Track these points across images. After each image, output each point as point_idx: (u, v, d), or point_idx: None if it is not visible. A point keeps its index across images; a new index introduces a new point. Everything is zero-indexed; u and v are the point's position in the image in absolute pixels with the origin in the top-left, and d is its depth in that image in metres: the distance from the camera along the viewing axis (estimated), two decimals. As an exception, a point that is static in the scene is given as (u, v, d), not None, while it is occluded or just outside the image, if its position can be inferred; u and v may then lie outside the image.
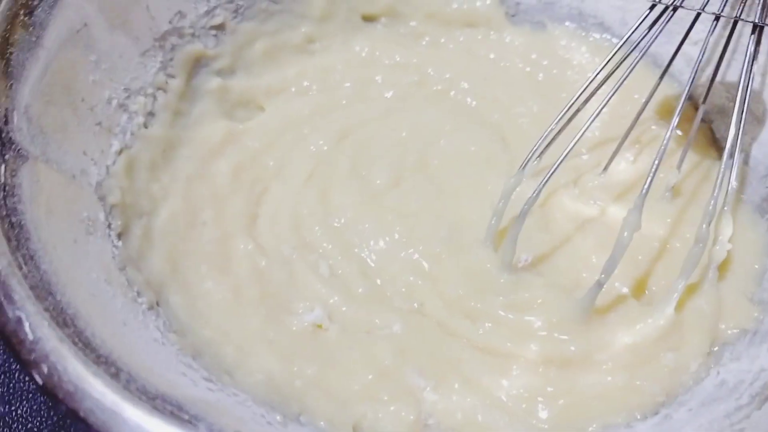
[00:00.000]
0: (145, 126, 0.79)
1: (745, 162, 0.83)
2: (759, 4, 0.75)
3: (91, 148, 0.70)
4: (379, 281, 0.76)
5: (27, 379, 0.75)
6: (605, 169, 0.85)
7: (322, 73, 0.93)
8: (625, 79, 0.74)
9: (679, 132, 0.89)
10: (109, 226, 0.67)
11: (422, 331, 0.72)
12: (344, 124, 0.89)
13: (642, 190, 0.65)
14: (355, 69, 0.95)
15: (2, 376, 0.76)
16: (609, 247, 0.76)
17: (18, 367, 0.75)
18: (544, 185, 0.70)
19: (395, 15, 0.98)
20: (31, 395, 0.74)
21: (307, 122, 0.89)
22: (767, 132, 0.82)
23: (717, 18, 0.73)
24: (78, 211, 0.63)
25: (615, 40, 0.96)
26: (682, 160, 0.83)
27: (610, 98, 0.74)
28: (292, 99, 0.91)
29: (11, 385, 0.75)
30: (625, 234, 0.64)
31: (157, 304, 0.66)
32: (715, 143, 0.87)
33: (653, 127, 0.90)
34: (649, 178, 0.65)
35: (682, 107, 0.70)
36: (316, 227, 0.80)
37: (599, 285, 0.65)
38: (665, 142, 0.68)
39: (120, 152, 0.74)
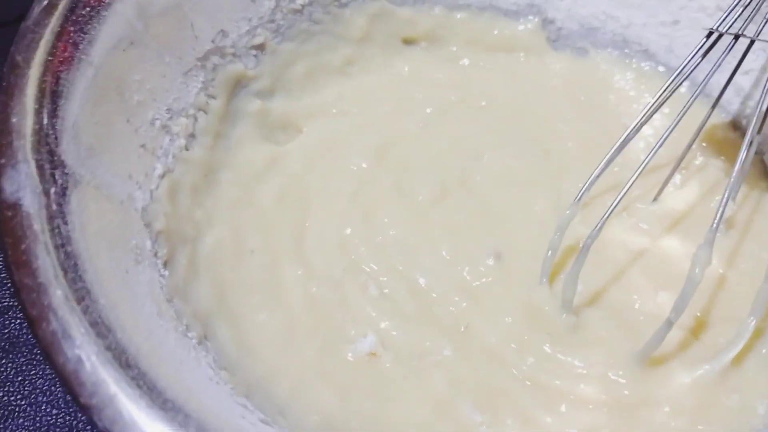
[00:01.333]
0: (186, 148, 0.76)
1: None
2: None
3: (136, 172, 0.67)
4: (427, 300, 0.74)
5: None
6: (656, 198, 0.83)
7: (362, 94, 0.91)
8: (683, 114, 0.72)
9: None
10: (155, 254, 0.64)
11: (471, 357, 0.70)
12: (385, 140, 0.87)
13: (713, 224, 0.63)
14: (396, 88, 0.93)
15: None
16: (664, 281, 0.75)
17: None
18: (605, 221, 0.67)
19: (436, 39, 0.97)
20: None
21: (346, 142, 0.87)
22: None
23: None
24: (127, 239, 0.60)
25: (660, 68, 0.94)
26: (736, 192, 0.81)
27: (667, 135, 0.72)
28: (331, 120, 0.89)
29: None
30: (697, 270, 0.62)
31: (205, 338, 0.63)
32: (766, 175, 0.85)
33: (699, 156, 0.88)
34: (719, 214, 0.63)
35: (747, 153, 0.67)
36: (362, 247, 0.77)
37: (669, 324, 0.63)
38: (734, 175, 0.65)
39: (163, 176, 0.71)
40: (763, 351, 0.68)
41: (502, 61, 0.97)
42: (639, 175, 0.72)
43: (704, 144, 0.89)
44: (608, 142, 0.73)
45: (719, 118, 0.90)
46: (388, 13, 0.93)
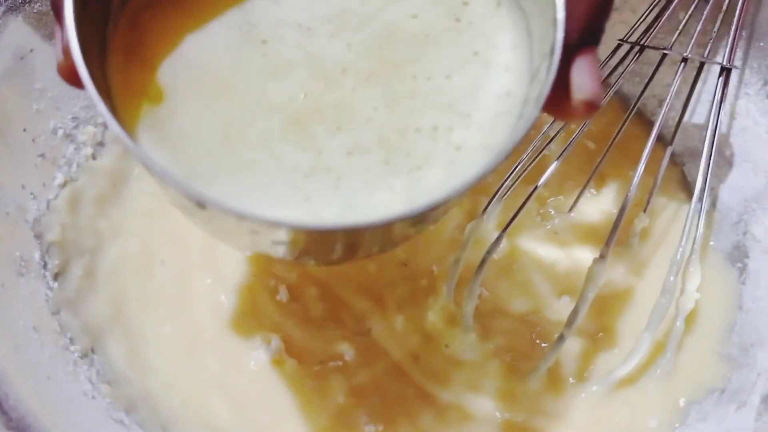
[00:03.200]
0: (94, 157, 0.75)
1: (714, 206, 0.81)
2: (727, 44, 0.73)
3: (31, 182, 0.66)
4: (336, 304, 0.74)
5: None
6: (572, 208, 0.83)
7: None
8: (589, 123, 0.72)
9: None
10: (44, 266, 0.63)
11: (371, 364, 0.70)
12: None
13: (608, 240, 0.63)
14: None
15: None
16: (568, 286, 0.75)
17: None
18: (506, 231, 0.67)
19: None
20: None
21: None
22: (737, 175, 0.80)
23: (684, 60, 0.71)
24: (10, 251, 0.59)
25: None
26: (648, 203, 0.81)
27: (576, 139, 0.72)
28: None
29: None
30: (590, 286, 0.61)
31: (92, 351, 0.62)
32: (686, 186, 0.85)
33: (618, 167, 0.88)
34: (616, 228, 0.63)
35: (649, 151, 0.67)
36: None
37: (561, 340, 0.62)
38: (631, 189, 0.65)
39: (64, 185, 0.70)
40: (662, 365, 0.67)
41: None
42: (549, 189, 0.72)
43: (623, 155, 0.88)
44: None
45: (639, 128, 0.90)
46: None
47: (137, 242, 0.75)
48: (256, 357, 0.70)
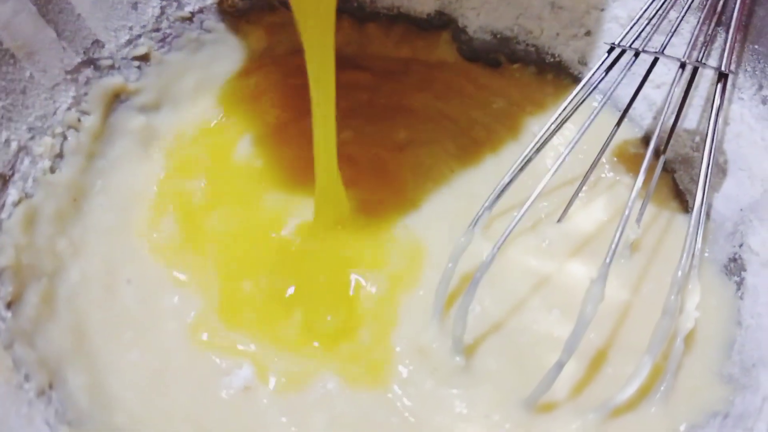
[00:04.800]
0: (52, 171, 0.69)
1: (708, 216, 0.78)
2: (725, 48, 0.70)
3: (-20, 201, 0.61)
4: (311, 323, 0.70)
5: None
6: (560, 219, 0.79)
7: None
8: (585, 130, 0.68)
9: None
10: (-5, 294, 0.58)
11: (354, 389, 0.66)
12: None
13: (606, 259, 0.59)
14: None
15: None
16: (568, 311, 0.71)
17: None
18: (498, 249, 0.63)
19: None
20: None
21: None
22: (732, 184, 0.77)
23: (683, 65, 0.67)
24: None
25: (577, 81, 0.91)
26: (642, 214, 0.77)
27: (572, 148, 0.68)
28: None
29: None
30: (588, 308, 0.58)
31: (50, 387, 0.57)
32: (677, 195, 0.82)
33: (610, 173, 0.84)
34: (613, 245, 0.59)
35: (647, 163, 0.63)
36: (247, 265, 0.73)
37: (559, 366, 0.59)
38: (630, 204, 0.61)
39: (18, 203, 0.65)
40: (662, 388, 0.64)
41: (413, 68, 0.92)
42: (539, 194, 0.68)
43: (615, 160, 0.85)
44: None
45: (632, 133, 0.87)
46: (291, 23, 0.88)
47: (100, 261, 0.70)
48: (227, 384, 0.65)
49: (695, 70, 0.73)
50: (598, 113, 0.69)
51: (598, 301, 0.58)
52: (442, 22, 0.93)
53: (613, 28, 0.86)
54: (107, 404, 0.60)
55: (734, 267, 0.73)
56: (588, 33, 0.89)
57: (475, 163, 0.83)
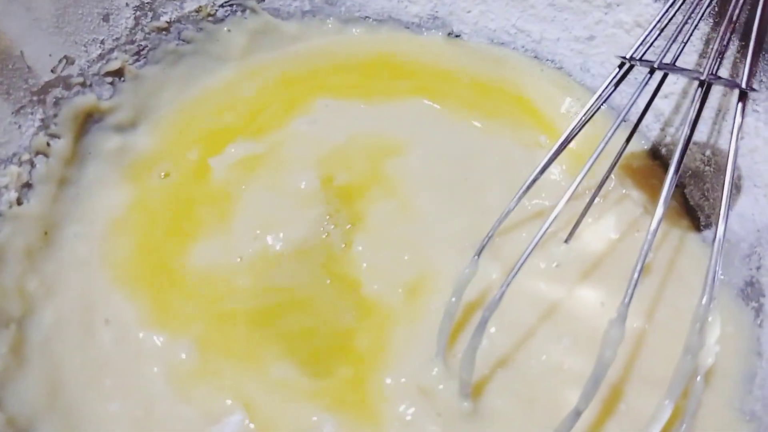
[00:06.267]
0: (19, 203, 0.64)
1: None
2: (746, 63, 0.66)
3: (-62, 242, 0.55)
4: (307, 360, 0.65)
5: None
6: (568, 239, 0.75)
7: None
8: (599, 154, 0.64)
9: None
10: (-41, 348, 0.52)
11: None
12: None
13: (624, 299, 0.54)
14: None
15: None
16: (579, 339, 0.67)
17: None
18: (508, 285, 0.58)
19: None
20: None
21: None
22: (747, 202, 0.72)
23: (702, 83, 0.62)
24: None
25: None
26: (654, 235, 0.73)
27: (583, 178, 0.64)
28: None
29: None
30: (608, 353, 0.53)
31: (21, 452, 0.52)
32: (688, 211, 0.78)
33: (616, 186, 0.80)
34: (632, 285, 0.55)
35: (669, 191, 0.59)
36: (232, 294, 0.67)
37: (577, 414, 0.54)
38: (649, 236, 0.57)
39: (-19, 241, 0.59)
40: (683, 428, 0.60)
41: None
42: (545, 212, 0.64)
43: (621, 173, 0.81)
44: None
45: (638, 145, 0.83)
46: (272, 29, 0.82)
47: (75, 300, 0.65)
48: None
49: (709, 85, 0.68)
50: (612, 135, 0.64)
51: (618, 343, 0.54)
52: (435, 25, 0.88)
53: (618, 34, 0.82)
54: (84, 464, 0.55)
55: (752, 292, 0.69)
56: (590, 38, 0.84)
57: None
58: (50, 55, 0.67)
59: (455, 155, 0.78)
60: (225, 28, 0.80)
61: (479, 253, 0.63)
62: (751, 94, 0.72)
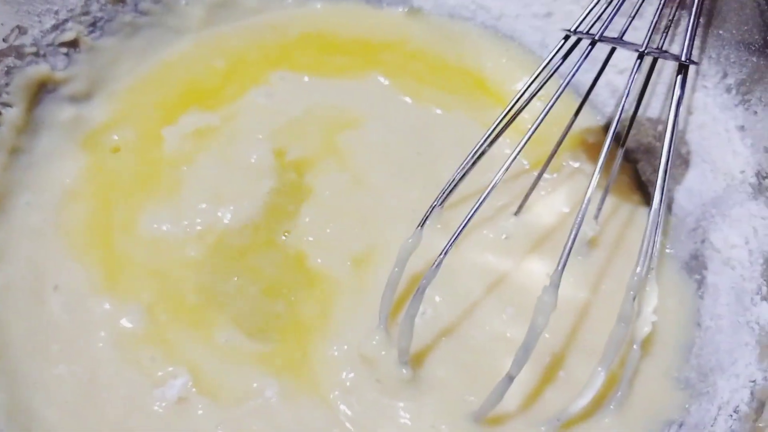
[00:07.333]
0: (-31, 169, 0.64)
1: (670, 210, 0.75)
2: (686, 36, 0.66)
3: None
4: (252, 326, 0.66)
5: None
6: (518, 211, 0.75)
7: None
8: (542, 119, 0.64)
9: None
10: None
11: (295, 399, 0.62)
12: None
13: (558, 266, 0.55)
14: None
15: None
16: (523, 310, 0.68)
17: None
18: (446, 254, 0.59)
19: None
20: None
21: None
22: (695, 177, 0.73)
23: (641, 55, 0.63)
24: None
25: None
26: (599, 209, 0.74)
27: (525, 143, 0.65)
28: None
29: None
30: (540, 319, 0.54)
31: (-39, 411, 0.53)
32: (639, 186, 0.79)
33: (570, 161, 0.81)
34: (566, 250, 0.55)
35: (606, 154, 0.60)
36: (182, 263, 0.68)
37: (509, 380, 0.56)
38: (586, 200, 0.58)
39: (-72, 206, 0.60)
40: (617, 395, 0.61)
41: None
42: (495, 186, 0.64)
43: (576, 148, 0.81)
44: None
45: (593, 120, 0.83)
46: (231, 2, 0.83)
47: (24, 266, 0.66)
48: (161, 396, 0.61)
49: (655, 61, 0.69)
50: (554, 102, 0.64)
51: (550, 310, 0.55)
52: (396, 2, 0.88)
53: (575, 11, 0.82)
54: (27, 424, 0.57)
55: (695, 265, 0.70)
56: (548, 14, 0.85)
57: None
58: (2, 24, 0.67)
59: (410, 130, 0.79)
60: (182, 1, 0.80)
61: (422, 224, 0.64)
62: (701, 70, 0.72)
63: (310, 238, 0.70)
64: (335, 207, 0.72)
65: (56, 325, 0.64)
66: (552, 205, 0.77)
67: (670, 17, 0.70)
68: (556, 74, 0.67)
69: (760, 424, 0.55)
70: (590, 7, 0.67)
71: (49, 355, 0.62)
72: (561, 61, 0.68)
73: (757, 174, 0.66)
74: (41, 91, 0.72)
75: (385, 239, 0.71)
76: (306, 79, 0.82)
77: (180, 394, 0.61)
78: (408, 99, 0.82)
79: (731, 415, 0.59)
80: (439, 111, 0.81)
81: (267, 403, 0.62)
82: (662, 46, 0.70)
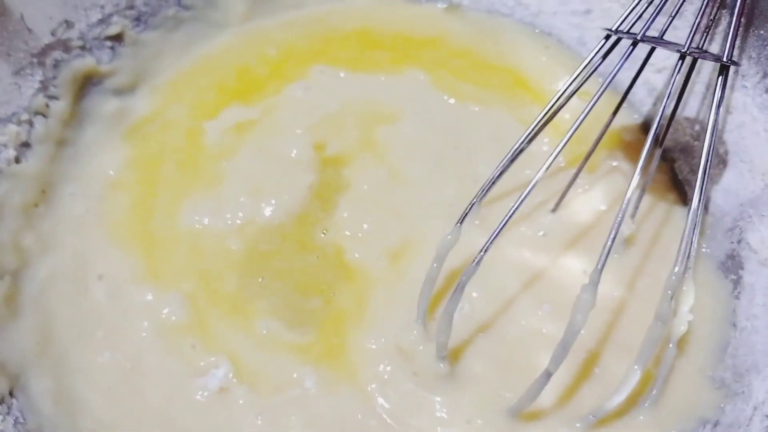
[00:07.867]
0: (17, 161, 0.66)
1: (707, 209, 0.75)
2: (729, 37, 0.66)
3: (-62, 195, 0.57)
4: (294, 318, 0.67)
5: None
6: (555, 208, 0.76)
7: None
8: (584, 118, 0.64)
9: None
10: (-49, 298, 0.55)
11: (333, 390, 0.63)
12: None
13: (597, 264, 0.56)
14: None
15: None
16: (559, 307, 0.68)
17: None
18: (485, 251, 0.60)
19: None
20: None
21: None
22: (732, 177, 0.73)
23: (682, 56, 0.63)
24: None
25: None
26: (636, 208, 0.74)
27: (566, 142, 0.65)
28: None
29: None
30: (578, 317, 0.55)
31: (11, 394, 0.54)
32: (676, 185, 0.79)
33: (608, 159, 0.81)
34: (606, 249, 0.56)
35: (646, 155, 0.60)
36: (223, 253, 0.70)
37: (546, 376, 0.56)
38: (626, 200, 0.58)
39: (-22, 197, 0.62)
40: (653, 393, 0.62)
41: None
42: (533, 187, 0.65)
43: (613, 146, 0.81)
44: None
45: (631, 119, 0.83)
46: (271, -4, 0.84)
47: (70, 256, 0.67)
48: (202, 385, 0.63)
49: (695, 61, 0.69)
50: (596, 101, 0.65)
51: (589, 308, 0.55)
52: (434, -3, 0.89)
53: (614, 8, 0.82)
54: (72, 409, 0.58)
55: (732, 264, 0.70)
56: (587, 11, 0.85)
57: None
58: (50, 18, 0.68)
59: (447, 125, 0.80)
60: (224, -5, 0.81)
61: (462, 220, 0.65)
62: (741, 70, 0.72)
63: (348, 233, 0.71)
64: (373, 202, 0.73)
65: (101, 313, 0.65)
66: (589, 202, 0.77)
67: (711, 17, 0.70)
68: (594, 74, 0.67)
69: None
70: (632, 6, 0.66)
71: (93, 343, 0.63)
72: (601, 60, 0.68)
73: (796, 175, 0.65)
74: (86, 84, 0.73)
75: (421, 234, 0.72)
76: (344, 73, 0.82)
77: (221, 383, 0.63)
78: (445, 95, 0.82)
79: (767, 416, 0.59)
80: (476, 108, 0.82)
81: (306, 393, 0.63)
82: (702, 46, 0.69)
